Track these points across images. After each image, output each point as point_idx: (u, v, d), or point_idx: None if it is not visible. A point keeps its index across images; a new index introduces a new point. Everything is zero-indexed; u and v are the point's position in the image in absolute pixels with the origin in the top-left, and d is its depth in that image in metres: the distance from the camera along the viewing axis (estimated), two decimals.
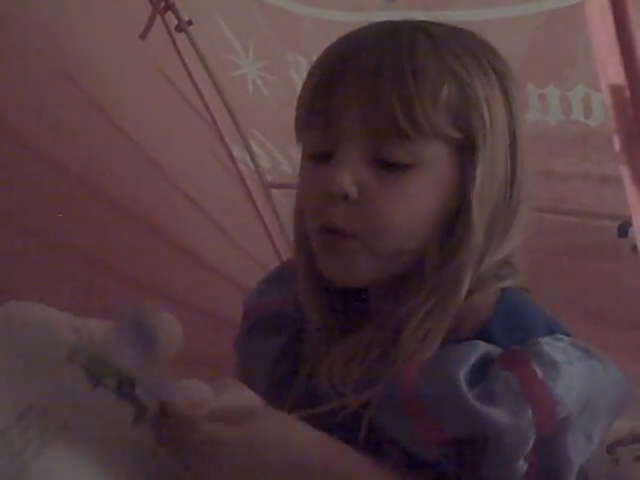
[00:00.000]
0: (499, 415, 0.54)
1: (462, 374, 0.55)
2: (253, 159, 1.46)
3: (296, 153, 1.39)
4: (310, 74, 0.66)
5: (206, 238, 1.42)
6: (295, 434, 0.58)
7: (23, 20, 1.17)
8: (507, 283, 0.64)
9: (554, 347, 0.57)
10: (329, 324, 0.69)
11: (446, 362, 0.57)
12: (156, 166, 1.31)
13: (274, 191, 1.52)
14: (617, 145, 0.65)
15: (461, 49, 0.63)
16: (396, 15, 1.02)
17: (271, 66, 1.28)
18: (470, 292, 0.62)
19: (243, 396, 0.61)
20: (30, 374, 0.58)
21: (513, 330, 0.60)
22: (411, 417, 0.56)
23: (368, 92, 0.60)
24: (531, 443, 0.55)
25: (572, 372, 0.56)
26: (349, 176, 0.60)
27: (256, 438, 0.55)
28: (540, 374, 0.55)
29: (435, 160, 0.61)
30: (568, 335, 0.62)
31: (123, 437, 0.57)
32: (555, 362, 0.56)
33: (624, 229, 1.21)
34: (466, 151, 0.62)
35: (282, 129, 1.38)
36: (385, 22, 0.66)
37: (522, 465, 0.56)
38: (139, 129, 1.28)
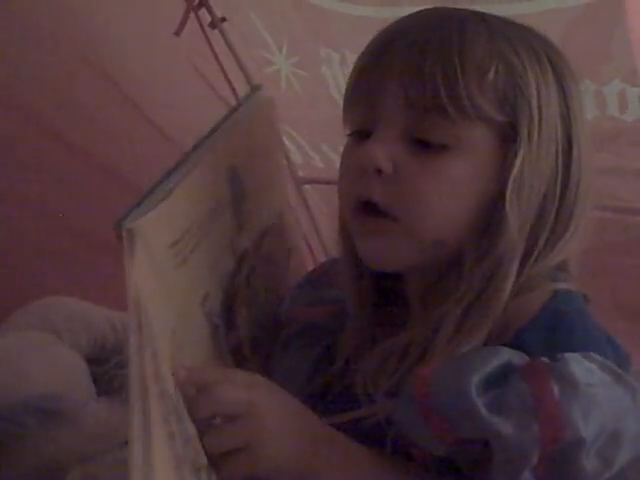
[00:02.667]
0: (504, 426, 0.53)
1: (474, 380, 0.54)
2: (285, 154, 1.46)
3: (327, 148, 1.40)
4: (359, 56, 0.65)
5: None
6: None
7: (58, 18, 1.18)
8: (561, 285, 0.62)
9: (580, 366, 0.55)
10: (370, 320, 0.68)
11: (461, 366, 0.56)
12: None
13: (306, 186, 1.52)
14: None
15: (516, 36, 0.61)
16: None
17: (304, 62, 1.28)
18: (517, 293, 0.61)
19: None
20: None
21: (547, 339, 0.59)
22: (424, 417, 0.56)
23: (411, 66, 0.59)
24: (535, 457, 0.54)
25: (592, 395, 0.54)
26: (383, 150, 0.59)
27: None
28: (556, 392, 0.54)
29: (476, 144, 0.59)
30: (612, 347, 0.60)
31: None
32: (576, 382, 0.54)
33: None
34: (508, 139, 0.60)
35: (314, 125, 1.39)
36: (439, 7, 0.65)
37: (528, 477, 0.54)
38: (172, 125, 1.29)
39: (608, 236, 1.18)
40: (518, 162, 0.59)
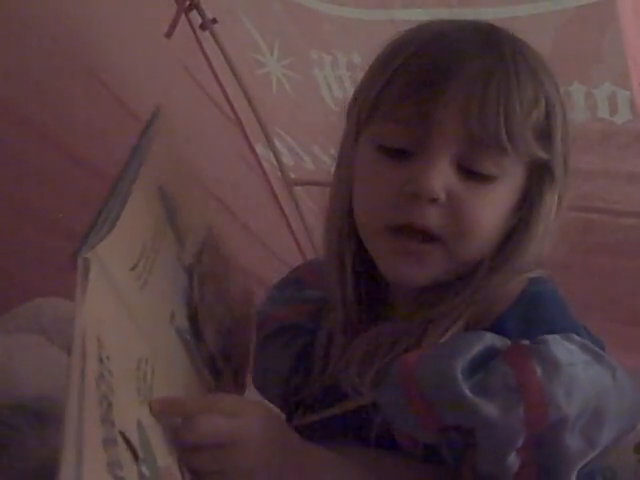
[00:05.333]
0: (490, 408, 0.54)
1: (460, 364, 0.55)
2: (276, 156, 1.47)
3: (319, 150, 1.41)
4: (395, 65, 0.62)
5: (229, 234, 1.42)
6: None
7: (50, 20, 1.18)
8: (535, 273, 0.64)
9: (561, 347, 0.57)
10: (353, 318, 0.69)
11: (446, 351, 0.57)
12: None
13: (297, 188, 1.52)
14: None
15: (542, 65, 0.63)
16: (419, 13, 1.02)
17: (295, 64, 1.28)
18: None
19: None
20: None
21: (527, 322, 0.60)
22: (410, 403, 0.57)
23: (474, 102, 0.59)
24: (520, 440, 0.55)
25: (573, 374, 0.55)
26: (440, 180, 0.60)
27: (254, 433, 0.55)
28: (539, 373, 0.55)
29: (515, 174, 0.62)
30: (587, 335, 0.61)
31: None
32: (557, 362, 0.55)
33: None
34: (536, 168, 0.62)
35: (305, 127, 1.39)
36: (466, 22, 0.65)
37: (513, 461, 0.55)
38: None
39: (596, 238, 1.19)
40: (548, 191, 0.63)
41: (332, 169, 0.71)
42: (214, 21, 1.28)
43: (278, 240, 1.55)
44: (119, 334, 0.51)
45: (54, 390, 1.02)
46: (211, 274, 0.73)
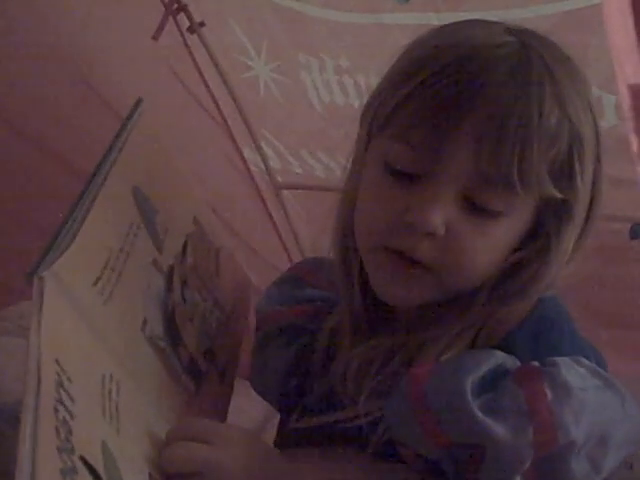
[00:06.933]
0: (499, 429, 0.54)
1: (469, 381, 0.55)
2: (264, 160, 1.46)
3: (306, 154, 1.40)
4: (415, 82, 0.58)
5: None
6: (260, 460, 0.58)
7: (36, 22, 1.17)
8: (546, 293, 0.63)
9: (571, 370, 0.56)
10: (358, 325, 0.68)
11: (456, 368, 0.56)
12: None
13: (284, 192, 1.52)
14: (634, 145, 0.64)
15: (577, 95, 0.59)
16: (407, 17, 1.03)
17: (282, 67, 1.28)
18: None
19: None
20: None
21: (536, 343, 0.59)
22: (417, 416, 0.56)
23: (490, 140, 0.56)
24: (528, 462, 0.54)
25: (584, 399, 0.55)
26: (442, 214, 0.57)
27: (225, 460, 0.55)
28: (550, 396, 0.54)
29: (524, 209, 0.59)
30: (594, 356, 0.60)
31: None
32: (568, 387, 0.55)
33: (636, 231, 1.20)
34: (553, 202, 0.59)
35: (293, 130, 1.38)
36: (500, 32, 0.60)
37: None
38: None
39: None
40: (566, 231, 0.60)
41: (319, 173, 0.71)
42: (202, 24, 1.28)
43: (265, 244, 1.54)
44: (80, 353, 0.49)
45: None
46: (196, 271, 0.72)
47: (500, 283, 0.61)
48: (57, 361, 0.45)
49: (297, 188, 1.50)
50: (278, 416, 0.75)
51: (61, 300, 0.49)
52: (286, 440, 0.70)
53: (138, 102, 0.70)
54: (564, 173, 0.58)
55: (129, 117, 0.66)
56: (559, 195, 0.58)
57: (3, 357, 1.06)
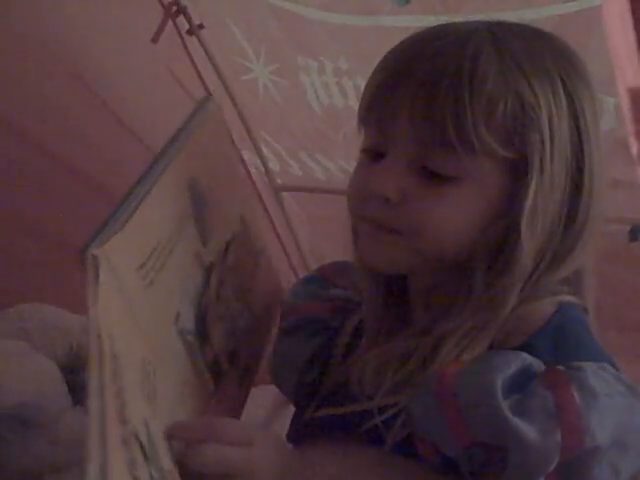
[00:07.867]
0: (528, 430, 0.54)
1: (500, 381, 0.55)
2: (263, 162, 1.46)
3: (305, 156, 1.40)
4: (375, 71, 0.64)
5: None
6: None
7: (36, 23, 1.18)
8: (566, 298, 0.63)
9: (598, 376, 0.57)
10: (379, 326, 0.69)
11: (487, 367, 0.57)
12: None
13: (284, 194, 1.52)
14: (634, 147, 0.64)
15: (531, 65, 0.60)
16: (406, 20, 1.03)
17: (282, 70, 1.28)
18: (524, 301, 0.61)
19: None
20: None
21: (558, 348, 0.60)
22: (443, 413, 0.57)
23: (422, 99, 0.59)
24: (553, 465, 0.55)
25: (609, 405, 0.56)
26: (394, 183, 0.61)
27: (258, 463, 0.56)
28: (578, 400, 0.55)
29: (482, 175, 0.60)
30: (614, 367, 0.60)
31: None
32: (595, 392, 0.55)
33: (635, 233, 1.20)
34: (519, 170, 0.60)
35: (292, 133, 1.39)
36: (460, 23, 0.63)
37: None
38: (150, 131, 1.29)
39: None
40: (531, 194, 0.59)
41: (318, 175, 0.71)
42: (201, 26, 1.28)
43: None
44: (125, 333, 0.51)
45: (37, 397, 1.01)
46: (234, 269, 0.73)
47: (494, 255, 0.61)
48: (110, 336, 0.46)
49: (296, 190, 1.51)
50: (277, 422, 0.75)
51: (110, 279, 0.50)
52: (300, 432, 0.71)
53: (205, 99, 0.71)
54: (517, 134, 0.59)
55: (194, 112, 0.68)
56: (509, 155, 0.59)
57: (3, 360, 1.06)
